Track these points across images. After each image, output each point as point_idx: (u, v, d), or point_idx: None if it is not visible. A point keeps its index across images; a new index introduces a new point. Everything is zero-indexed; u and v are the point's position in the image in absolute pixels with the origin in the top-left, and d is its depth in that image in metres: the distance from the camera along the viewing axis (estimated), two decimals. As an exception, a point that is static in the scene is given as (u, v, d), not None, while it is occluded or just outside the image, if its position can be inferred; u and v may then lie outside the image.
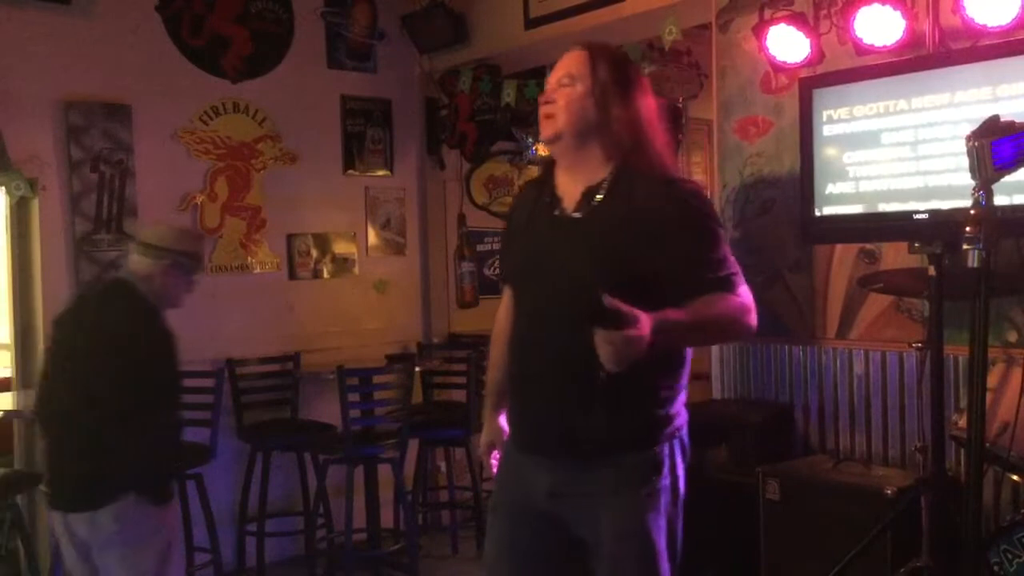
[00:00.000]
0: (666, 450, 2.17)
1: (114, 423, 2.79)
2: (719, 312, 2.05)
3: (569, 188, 2.20)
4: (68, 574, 3.07)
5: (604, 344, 1.83)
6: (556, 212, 2.20)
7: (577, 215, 2.16)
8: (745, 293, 2.11)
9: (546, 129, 2.19)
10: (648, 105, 2.21)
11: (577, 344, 1.95)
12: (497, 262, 4.81)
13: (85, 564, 2.92)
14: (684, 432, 2.24)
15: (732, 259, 2.14)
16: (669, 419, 2.18)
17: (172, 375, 3.00)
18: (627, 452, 2.13)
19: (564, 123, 2.15)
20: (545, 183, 2.28)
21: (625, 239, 2.06)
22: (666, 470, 2.16)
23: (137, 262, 3.00)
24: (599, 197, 2.14)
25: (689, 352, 2.23)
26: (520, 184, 5.49)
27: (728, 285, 2.08)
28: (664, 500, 2.16)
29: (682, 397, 2.23)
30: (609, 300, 1.80)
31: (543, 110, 2.18)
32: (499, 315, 2.47)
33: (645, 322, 1.84)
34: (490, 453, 2.51)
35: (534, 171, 6.04)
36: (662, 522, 2.16)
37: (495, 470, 2.45)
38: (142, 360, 2.87)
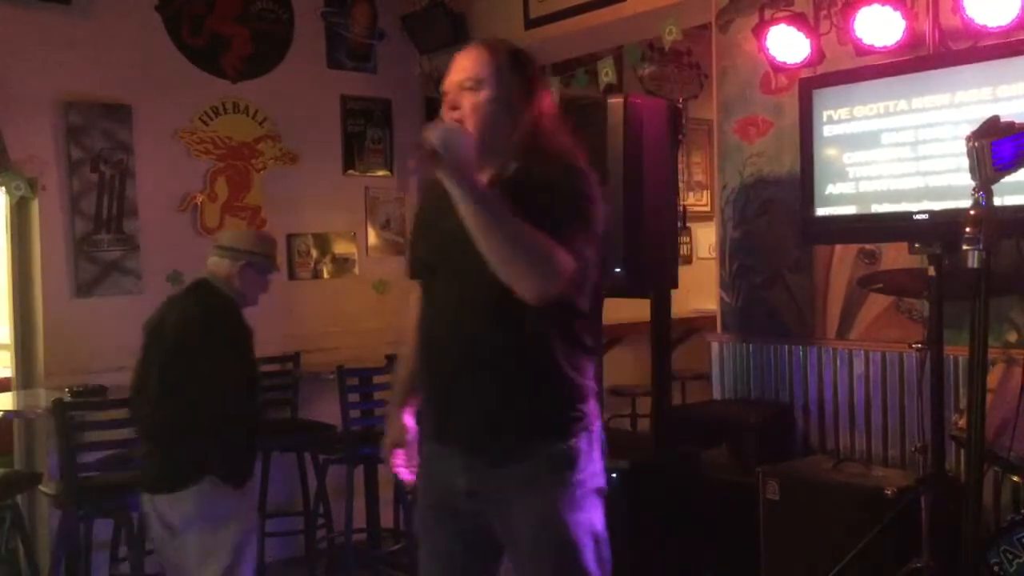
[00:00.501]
0: (581, 444, 2.13)
1: (190, 410, 3.02)
2: (538, 236, 1.93)
3: None
4: (156, 553, 3.34)
5: (436, 126, 1.92)
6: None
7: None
8: (568, 261, 1.98)
9: None
10: (548, 100, 2.20)
11: (486, 333, 2.05)
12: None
13: (172, 542, 3.13)
14: (598, 426, 2.21)
15: (586, 246, 2.05)
16: (580, 410, 2.15)
17: (246, 366, 3.23)
18: (540, 443, 2.10)
19: (475, 128, 2.08)
20: None
21: None
22: (581, 464, 2.12)
23: (216, 264, 3.26)
24: (504, 185, 2.09)
25: (592, 340, 2.20)
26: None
27: (565, 245, 1.98)
28: (580, 494, 2.12)
29: (591, 390, 2.19)
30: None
31: (449, 116, 2.11)
32: (410, 311, 2.40)
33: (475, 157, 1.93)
34: (393, 453, 2.44)
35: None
36: (580, 518, 2.11)
37: (399, 471, 2.42)
38: (216, 352, 3.10)
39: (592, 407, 2.19)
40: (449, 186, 1.90)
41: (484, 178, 2.10)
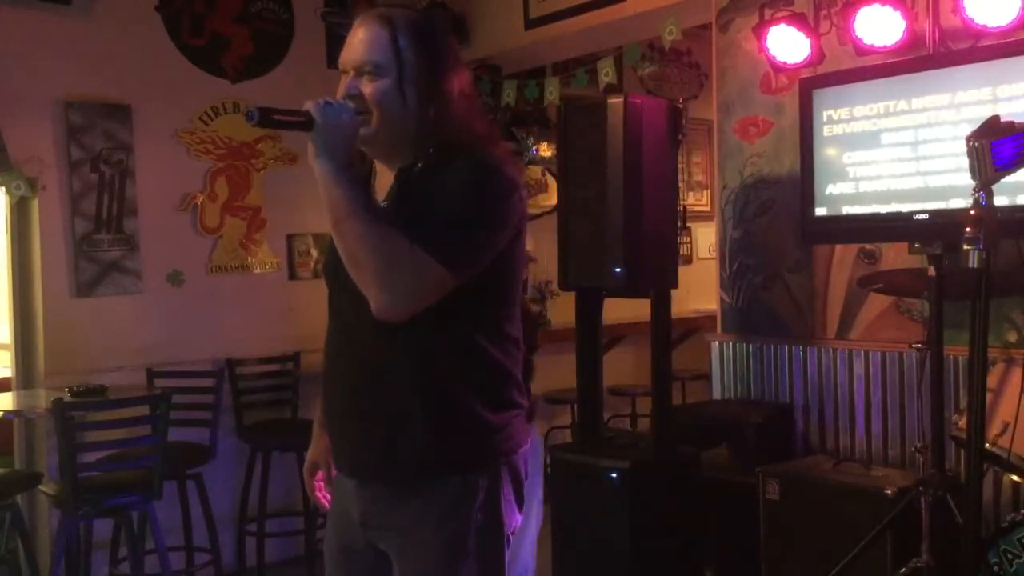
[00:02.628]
0: (483, 480, 1.84)
1: None
2: (399, 244, 1.68)
3: (383, 177, 1.93)
4: None
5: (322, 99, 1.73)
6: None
7: (384, 204, 1.88)
8: (439, 275, 1.70)
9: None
10: (462, 79, 1.90)
11: (378, 351, 1.81)
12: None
13: None
14: (517, 458, 1.91)
15: (479, 244, 1.77)
16: (491, 440, 1.86)
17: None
18: (438, 478, 1.83)
19: (377, 121, 1.82)
20: (367, 176, 1.96)
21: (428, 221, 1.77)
22: (480, 502, 1.83)
23: None
24: (408, 181, 1.87)
25: (511, 363, 1.92)
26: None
27: (437, 251, 1.70)
28: (474, 540, 1.83)
29: (513, 416, 1.91)
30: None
31: (349, 104, 1.83)
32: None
33: (348, 139, 1.74)
34: (313, 475, 2.15)
35: (535, 171, 6.06)
36: (472, 565, 1.83)
37: (318, 496, 2.14)
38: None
39: (511, 434, 1.90)
40: (312, 162, 1.71)
41: (390, 179, 1.89)
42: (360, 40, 1.85)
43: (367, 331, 1.81)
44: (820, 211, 3.56)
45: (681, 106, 3.77)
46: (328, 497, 2.12)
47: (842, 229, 3.56)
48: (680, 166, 4.34)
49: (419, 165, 1.86)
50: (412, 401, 1.81)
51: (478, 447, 1.86)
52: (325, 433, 2.10)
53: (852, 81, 3.51)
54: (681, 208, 4.15)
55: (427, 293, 1.71)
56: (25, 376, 4.58)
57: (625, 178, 3.50)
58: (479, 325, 1.85)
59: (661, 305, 3.69)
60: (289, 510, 4.99)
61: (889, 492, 3.15)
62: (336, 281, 1.91)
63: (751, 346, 4.19)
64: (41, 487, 4.02)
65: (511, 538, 1.93)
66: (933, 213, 3.18)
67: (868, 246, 3.79)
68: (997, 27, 3.32)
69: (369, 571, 1.94)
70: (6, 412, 4.02)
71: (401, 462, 1.84)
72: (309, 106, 1.73)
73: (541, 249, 5.51)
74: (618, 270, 3.51)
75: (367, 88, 1.83)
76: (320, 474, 2.15)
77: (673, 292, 3.76)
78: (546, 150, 5.92)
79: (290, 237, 5.28)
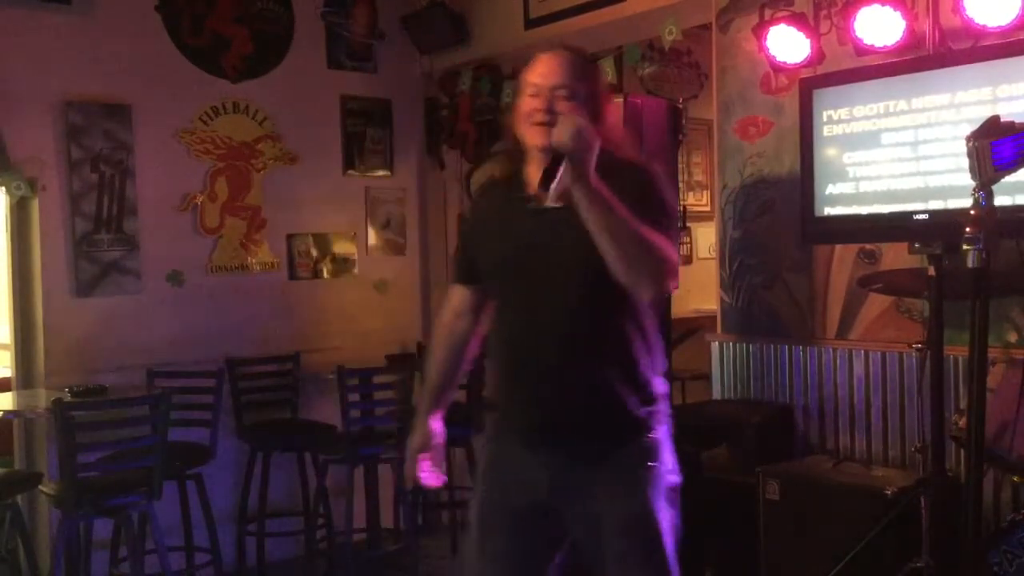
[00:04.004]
0: (661, 436, 2.24)
1: None
2: (647, 233, 2.05)
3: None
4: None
5: (565, 122, 2.00)
6: (534, 205, 2.17)
7: (558, 205, 2.13)
8: (673, 253, 2.12)
9: (544, 137, 2.13)
10: (615, 108, 2.36)
11: (574, 333, 2.13)
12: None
13: None
14: (669, 417, 2.31)
15: (675, 233, 2.21)
16: (659, 403, 2.25)
17: None
18: (629, 437, 2.19)
19: None
20: (514, 180, 2.29)
21: None
22: (662, 456, 2.23)
23: None
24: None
25: (658, 338, 2.29)
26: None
27: (664, 232, 2.13)
28: (662, 486, 2.22)
29: (664, 384, 2.30)
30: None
31: (543, 118, 2.15)
32: (445, 317, 2.46)
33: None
34: (419, 458, 2.43)
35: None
36: (665, 508, 2.21)
37: (424, 476, 2.42)
38: None
39: (666, 401, 2.29)
40: (574, 184, 1.98)
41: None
42: (556, 66, 2.20)
43: (561, 317, 2.16)
44: (820, 211, 3.57)
45: (681, 106, 3.78)
46: (434, 478, 2.43)
47: (842, 229, 3.57)
48: (680, 166, 4.35)
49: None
50: (611, 376, 2.15)
51: (654, 409, 2.23)
52: (428, 419, 2.42)
53: (852, 81, 3.52)
54: (681, 208, 4.15)
55: (676, 273, 2.11)
56: (25, 376, 4.59)
57: (625, 178, 3.50)
58: (646, 313, 2.21)
59: (661, 305, 3.69)
60: (289, 510, 5.00)
61: (889, 492, 3.16)
62: (509, 276, 2.24)
63: (751, 346, 4.19)
64: (41, 487, 4.02)
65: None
66: (933, 213, 3.19)
67: (868, 246, 3.78)
68: (997, 27, 3.32)
69: (537, 529, 2.26)
70: (6, 412, 4.02)
71: (604, 428, 2.18)
72: (564, 130, 2.01)
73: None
74: (618, 270, 3.52)
75: (562, 107, 2.15)
76: (426, 457, 2.43)
77: (673, 292, 3.76)
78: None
79: (290, 237, 5.29)
